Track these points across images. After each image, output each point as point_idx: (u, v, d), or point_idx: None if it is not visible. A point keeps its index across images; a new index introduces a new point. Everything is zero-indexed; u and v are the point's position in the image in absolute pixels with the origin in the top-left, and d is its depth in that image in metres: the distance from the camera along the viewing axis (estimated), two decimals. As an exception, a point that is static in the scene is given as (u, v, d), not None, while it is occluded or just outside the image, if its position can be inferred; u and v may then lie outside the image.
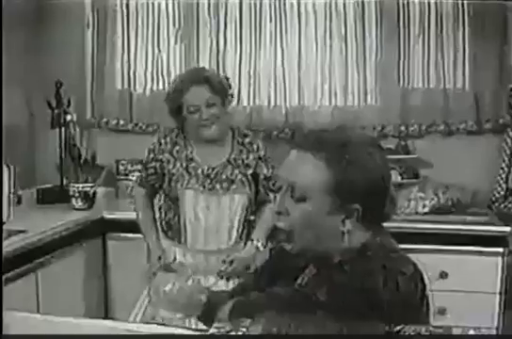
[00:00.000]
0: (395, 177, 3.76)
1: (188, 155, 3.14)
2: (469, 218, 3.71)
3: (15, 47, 4.09)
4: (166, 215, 3.19)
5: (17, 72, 4.15)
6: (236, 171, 3.11)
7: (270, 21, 4.14)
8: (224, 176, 3.10)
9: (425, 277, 1.62)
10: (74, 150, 4.22)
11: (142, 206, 3.28)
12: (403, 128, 4.10)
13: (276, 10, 4.12)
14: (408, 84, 4.08)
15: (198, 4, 4.21)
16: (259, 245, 3.10)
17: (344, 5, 4.06)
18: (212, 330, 1.47)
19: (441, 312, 3.45)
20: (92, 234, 3.83)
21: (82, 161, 4.14)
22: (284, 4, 4.11)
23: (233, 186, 3.10)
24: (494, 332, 3.45)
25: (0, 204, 3.24)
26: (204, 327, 1.89)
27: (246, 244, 3.14)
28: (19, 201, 3.94)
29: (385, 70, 4.09)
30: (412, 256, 1.65)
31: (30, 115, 4.43)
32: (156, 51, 4.33)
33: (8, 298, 2.37)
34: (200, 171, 3.10)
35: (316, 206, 1.61)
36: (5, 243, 3.11)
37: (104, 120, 4.45)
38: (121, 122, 4.43)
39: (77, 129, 4.39)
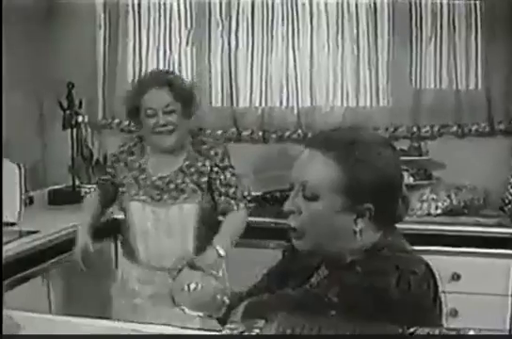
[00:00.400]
0: (407, 178, 3.74)
1: (141, 165, 3.00)
2: (481, 220, 3.69)
3: (25, 47, 4.10)
4: (123, 232, 3.09)
5: (28, 72, 4.15)
6: (187, 180, 2.92)
7: (282, 21, 4.13)
8: (173, 185, 2.92)
9: (438, 278, 1.61)
10: (86, 151, 4.23)
11: (88, 204, 3.20)
12: (415, 129, 4.08)
13: (288, 11, 4.11)
14: (421, 85, 4.06)
15: (210, 4, 4.21)
16: (220, 251, 2.79)
17: (357, 5, 4.04)
18: (225, 331, 1.46)
19: (453, 314, 3.44)
20: (104, 235, 3.83)
21: (94, 162, 4.15)
22: (296, 4, 4.09)
23: (184, 196, 2.91)
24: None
25: (0, 204, 3.24)
26: (209, 327, 1.90)
27: (205, 249, 2.84)
28: (30, 202, 3.95)
29: (397, 70, 4.06)
30: (424, 258, 1.64)
31: (41, 116, 4.44)
32: (168, 52, 4.32)
33: (19, 299, 2.38)
34: (149, 182, 2.95)
35: (328, 205, 1.60)
36: (16, 244, 3.13)
37: (116, 120, 4.45)
38: (133, 123, 4.42)
39: (89, 130, 4.41)
